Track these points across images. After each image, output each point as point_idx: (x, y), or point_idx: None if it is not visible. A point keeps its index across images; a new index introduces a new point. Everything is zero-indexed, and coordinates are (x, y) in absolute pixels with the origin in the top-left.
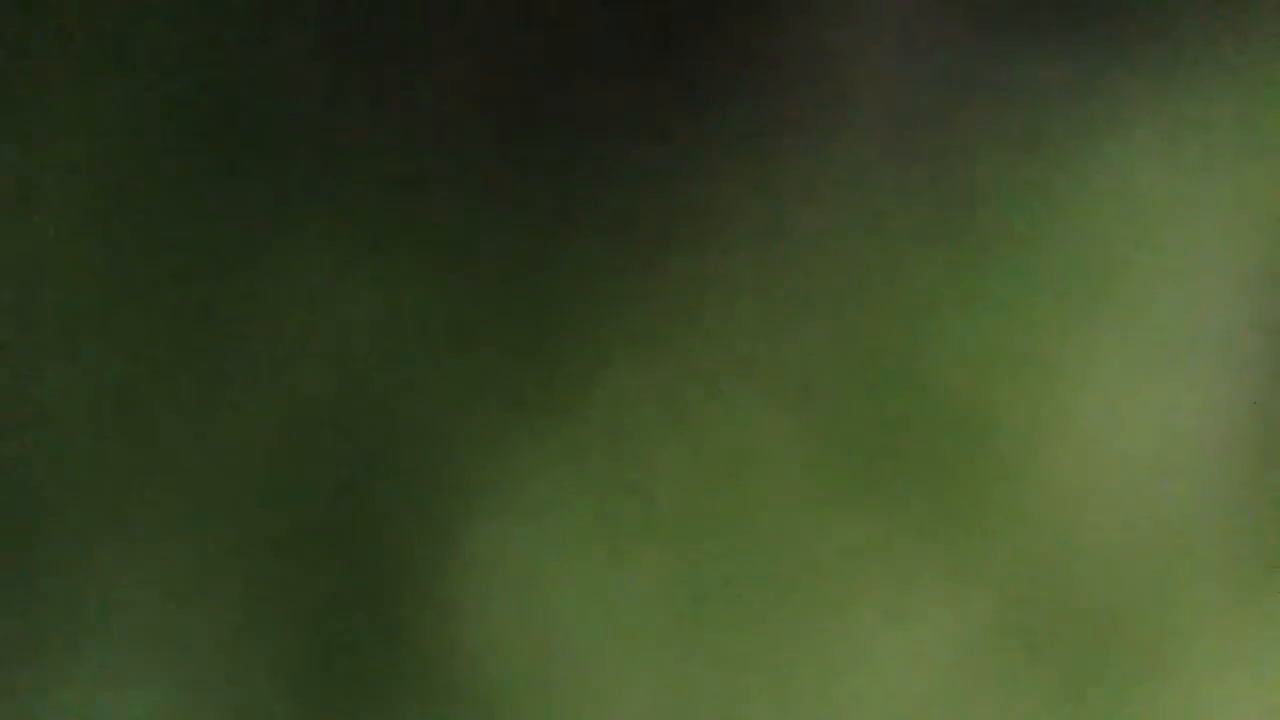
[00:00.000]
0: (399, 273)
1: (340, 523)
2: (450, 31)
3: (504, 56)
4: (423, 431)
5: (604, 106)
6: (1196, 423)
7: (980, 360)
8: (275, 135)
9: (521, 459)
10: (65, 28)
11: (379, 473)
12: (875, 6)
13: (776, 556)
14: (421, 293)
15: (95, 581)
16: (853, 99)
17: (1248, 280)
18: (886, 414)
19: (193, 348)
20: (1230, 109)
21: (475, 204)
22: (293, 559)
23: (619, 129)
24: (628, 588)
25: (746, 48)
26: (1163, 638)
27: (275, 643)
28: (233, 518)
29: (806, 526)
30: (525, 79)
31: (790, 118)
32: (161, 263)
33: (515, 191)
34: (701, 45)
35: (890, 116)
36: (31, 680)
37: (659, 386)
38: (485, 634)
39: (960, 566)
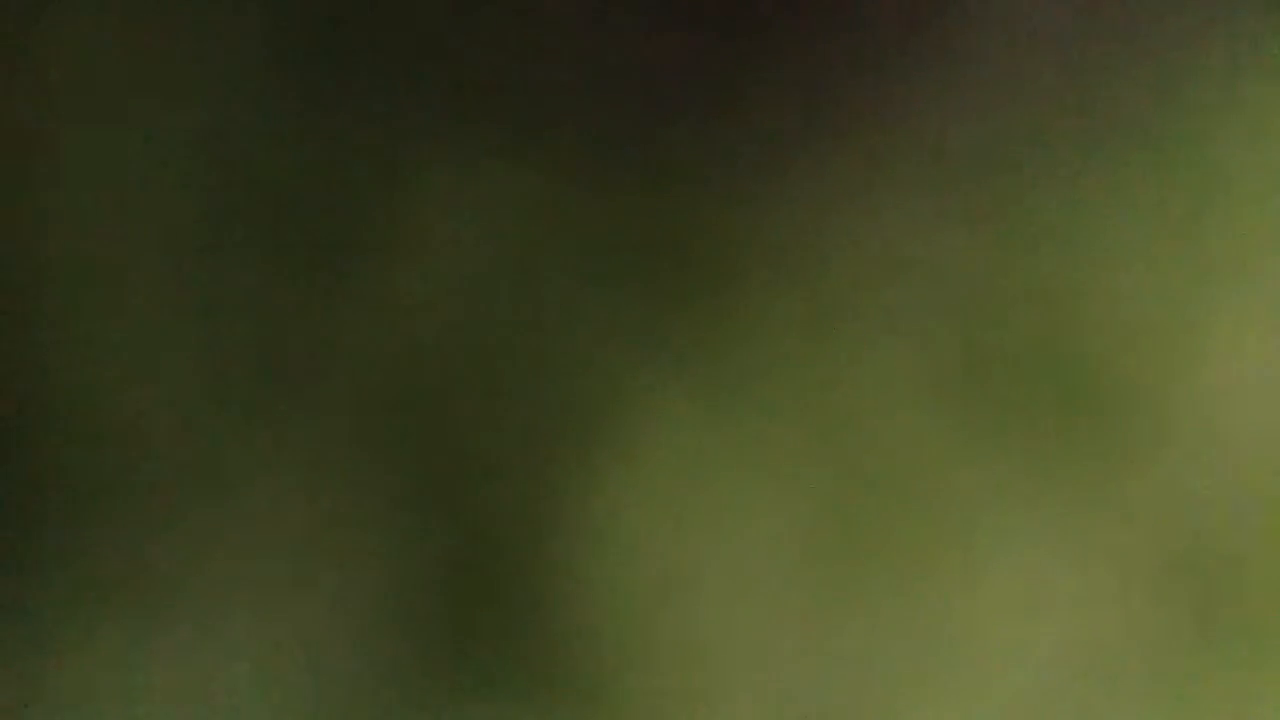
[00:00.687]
0: (531, 196)
1: (460, 468)
2: None
3: None
4: (551, 365)
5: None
6: None
7: (1114, 317)
8: (399, 54)
9: (653, 399)
10: None
11: (504, 412)
12: None
13: (911, 508)
14: (554, 216)
15: (201, 534)
16: (980, 43)
17: None
18: (1024, 363)
19: (319, 276)
20: None
21: (606, 127)
22: (412, 511)
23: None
24: (756, 533)
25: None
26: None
27: (393, 601)
28: (351, 466)
29: (937, 470)
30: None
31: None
32: (284, 189)
33: (650, 111)
34: None
35: (1024, 63)
36: (132, 639)
37: (799, 326)
38: (611, 580)
39: (1088, 513)
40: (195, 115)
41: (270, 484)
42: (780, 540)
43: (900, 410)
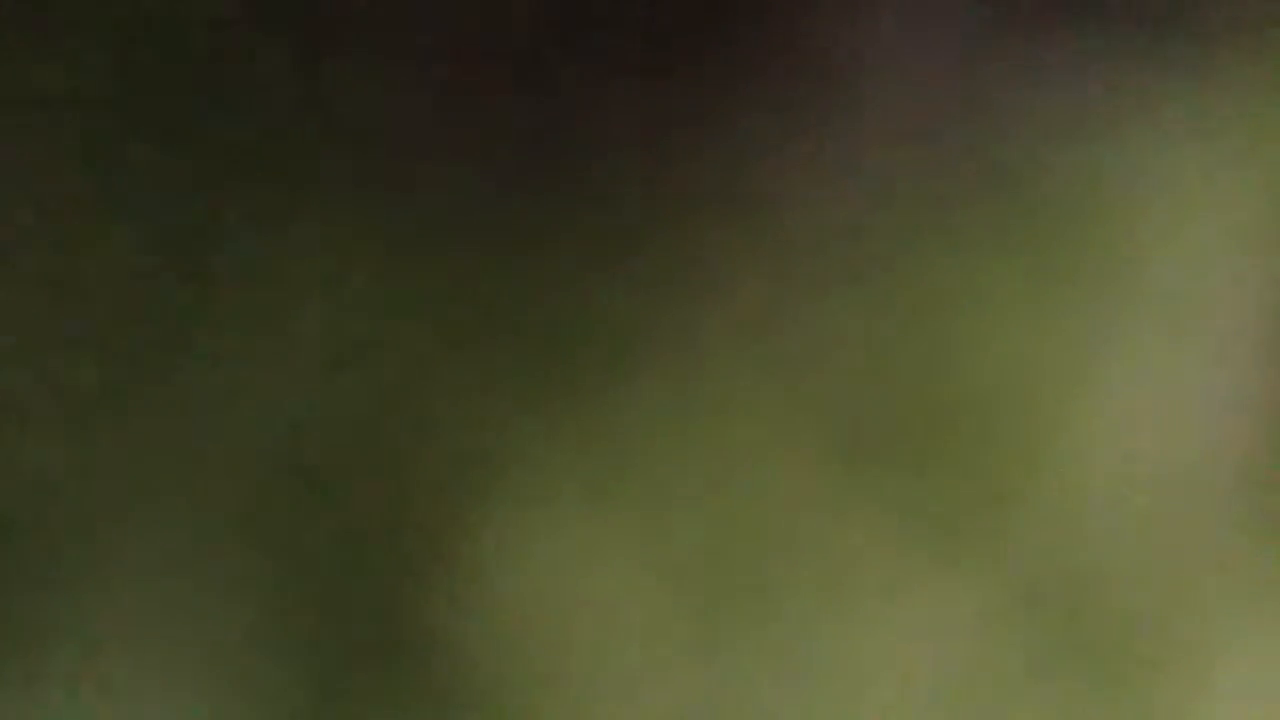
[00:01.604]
0: (400, 260)
1: (346, 521)
2: (446, 20)
3: (501, 40)
4: (431, 425)
5: (619, 83)
6: (1223, 424)
7: (1001, 356)
8: (262, 124)
9: (532, 452)
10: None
11: (385, 470)
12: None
13: (789, 553)
14: (425, 281)
15: (73, 594)
16: (873, 93)
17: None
18: (903, 410)
19: (189, 346)
20: (1264, 97)
21: (478, 188)
22: (299, 558)
23: (638, 111)
24: (637, 580)
25: (760, 42)
26: (1178, 636)
27: (285, 642)
28: (237, 520)
29: (819, 523)
30: (528, 61)
31: (807, 111)
32: (150, 260)
33: (522, 174)
34: (714, 34)
35: (911, 108)
36: (31, 685)
37: (673, 378)
38: (494, 630)
39: (970, 563)
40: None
41: (147, 555)
42: (658, 592)
43: (781, 461)
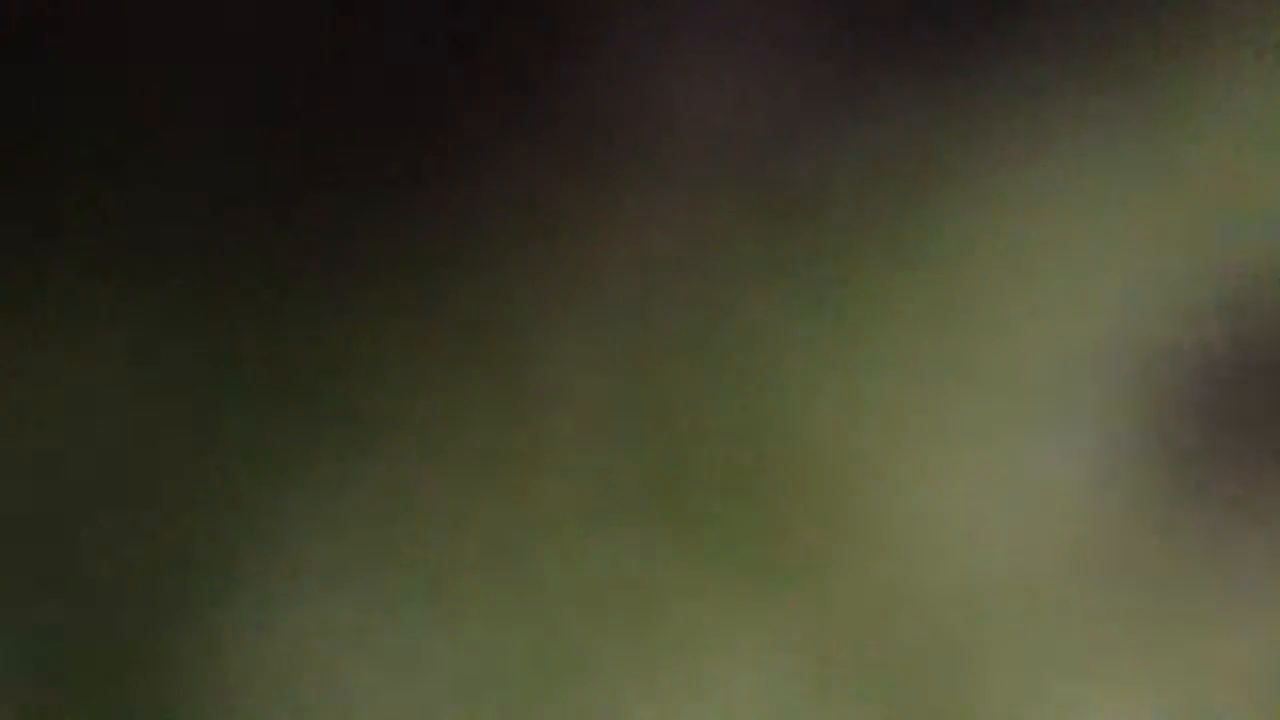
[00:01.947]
0: (148, 328)
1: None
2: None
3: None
4: (182, 495)
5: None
6: (1056, 486)
7: (822, 409)
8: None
9: (301, 510)
10: None
11: (139, 538)
12: (739, 60)
13: (607, 622)
14: (177, 347)
15: None
16: (713, 143)
17: (1134, 342)
18: (723, 461)
19: None
20: (1122, 157)
21: (232, 248)
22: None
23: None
24: (412, 664)
25: (590, 93)
26: (996, 688)
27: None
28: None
29: (629, 578)
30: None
31: (640, 154)
32: None
33: (284, 234)
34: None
35: (741, 151)
36: None
37: (472, 429)
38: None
39: (784, 614)
40: None
41: None
42: (462, 670)
43: (600, 527)
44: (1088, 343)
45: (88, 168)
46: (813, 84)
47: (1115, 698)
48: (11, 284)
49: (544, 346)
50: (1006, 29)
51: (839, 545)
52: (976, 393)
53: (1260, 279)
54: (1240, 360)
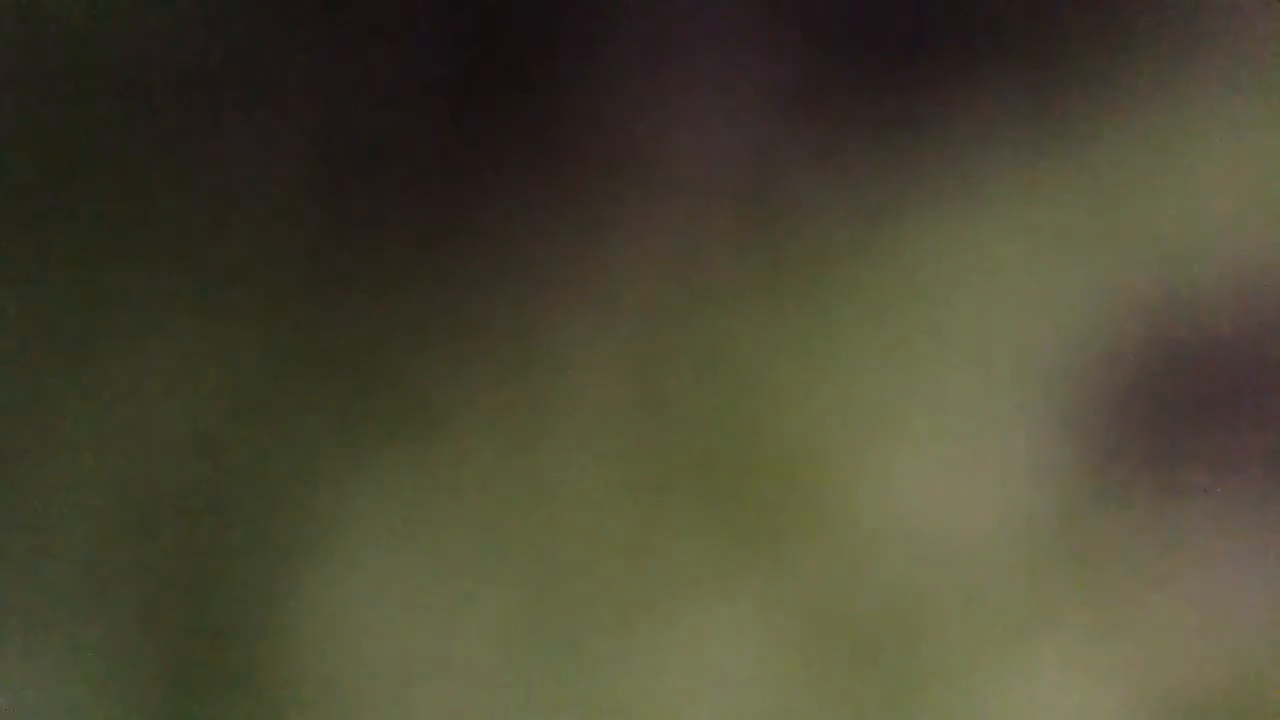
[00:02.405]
0: (228, 354)
1: (178, 571)
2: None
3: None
4: (255, 481)
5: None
6: (1005, 471)
7: (813, 404)
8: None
9: (356, 501)
10: None
11: (215, 521)
12: (711, 79)
13: (601, 586)
14: (247, 364)
15: None
16: (683, 158)
17: (1075, 344)
18: (715, 451)
19: (34, 425)
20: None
21: (290, 250)
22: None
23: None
24: (459, 625)
25: (576, 112)
26: (962, 679)
27: (126, 686)
28: (77, 573)
29: (628, 559)
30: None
31: (619, 171)
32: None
33: (340, 241)
34: (519, 101)
35: (745, 175)
36: None
37: (490, 421)
38: (324, 673)
39: (764, 583)
40: None
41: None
42: (480, 632)
43: (606, 509)
44: (1033, 345)
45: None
46: (795, 107)
47: (1059, 659)
48: (112, 312)
49: (559, 351)
50: (966, 66)
51: (814, 524)
52: (942, 388)
53: (1187, 285)
54: (1174, 359)
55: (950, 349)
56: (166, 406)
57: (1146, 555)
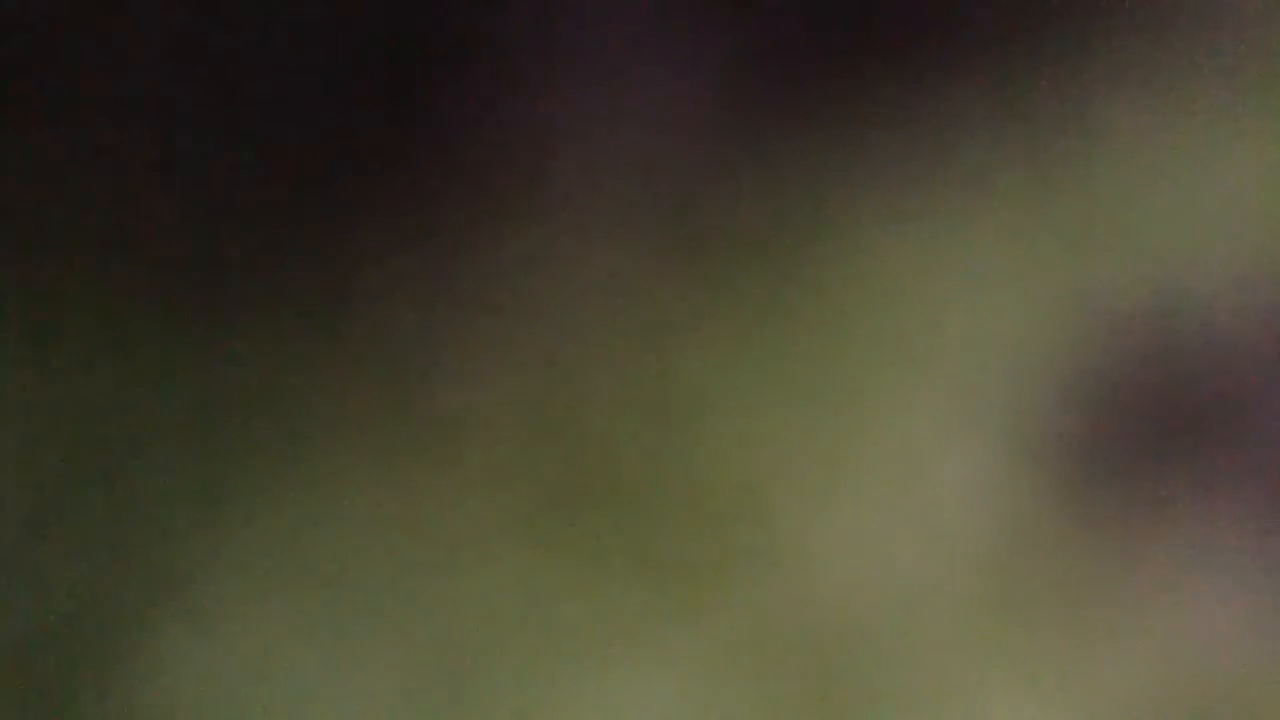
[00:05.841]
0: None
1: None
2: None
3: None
4: (101, 531)
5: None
6: (950, 503)
7: (742, 436)
8: None
9: (220, 553)
10: None
11: (53, 576)
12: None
13: (517, 635)
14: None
15: None
16: (628, 186)
17: (1044, 374)
18: (631, 487)
19: None
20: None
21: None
22: None
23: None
24: (341, 693)
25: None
26: (915, 709)
27: None
28: None
29: (544, 603)
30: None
31: (547, 198)
32: None
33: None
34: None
35: (666, 201)
36: None
37: (374, 459)
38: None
39: (699, 636)
40: None
41: None
42: (385, 686)
43: (505, 545)
44: (993, 368)
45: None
46: (718, 134)
47: (1016, 697)
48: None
49: (455, 377)
50: (922, 65)
51: (752, 566)
52: (894, 413)
53: (1137, 309)
54: (1119, 385)
55: (903, 371)
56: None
57: (1108, 589)
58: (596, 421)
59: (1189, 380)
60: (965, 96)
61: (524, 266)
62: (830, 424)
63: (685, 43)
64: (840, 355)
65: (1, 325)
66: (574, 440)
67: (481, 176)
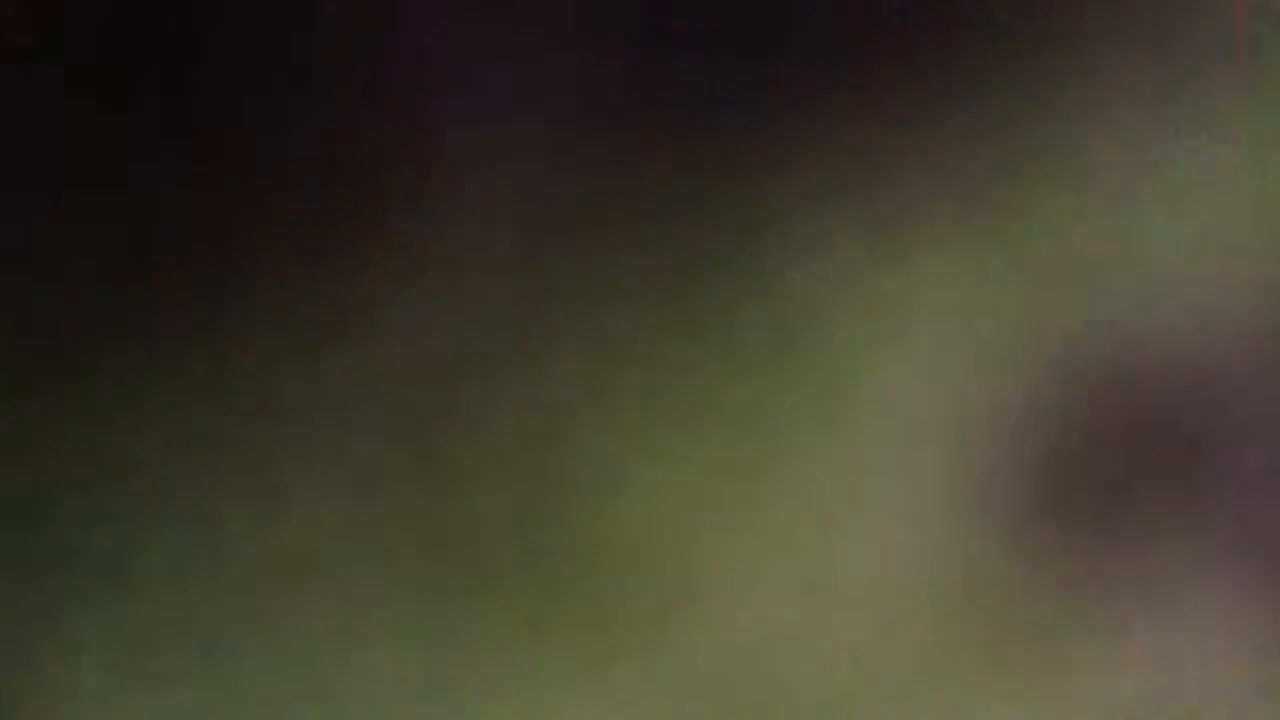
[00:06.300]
0: None
1: None
2: None
3: None
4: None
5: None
6: (912, 553)
7: (650, 483)
8: None
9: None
10: None
11: None
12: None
13: (377, 687)
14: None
15: None
16: (492, 230)
17: (977, 418)
18: (509, 543)
19: None
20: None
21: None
22: None
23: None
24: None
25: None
26: None
27: None
28: None
29: (406, 655)
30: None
31: (447, 213)
32: None
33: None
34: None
35: (536, 245)
36: None
37: (236, 497)
38: None
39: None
40: None
41: None
42: None
43: (379, 605)
44: (933, 408)
45: None
46: (591, 178)
47: None
48: None
49: (311, 413)
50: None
51: (661, 632)
52: (823, 461)
53: (1093, 346)
54: (1073, 424)
55: (842, 405)
56: None
57: (1053, 632)
58: (470, 471)
59: (1145, 420)
60: (904, 112)
61: (393, 286)
62: (764, 463)
63: (598, 24)
64: (771, 388)
65: None
66: (444, 493)
67: (369, 171)
